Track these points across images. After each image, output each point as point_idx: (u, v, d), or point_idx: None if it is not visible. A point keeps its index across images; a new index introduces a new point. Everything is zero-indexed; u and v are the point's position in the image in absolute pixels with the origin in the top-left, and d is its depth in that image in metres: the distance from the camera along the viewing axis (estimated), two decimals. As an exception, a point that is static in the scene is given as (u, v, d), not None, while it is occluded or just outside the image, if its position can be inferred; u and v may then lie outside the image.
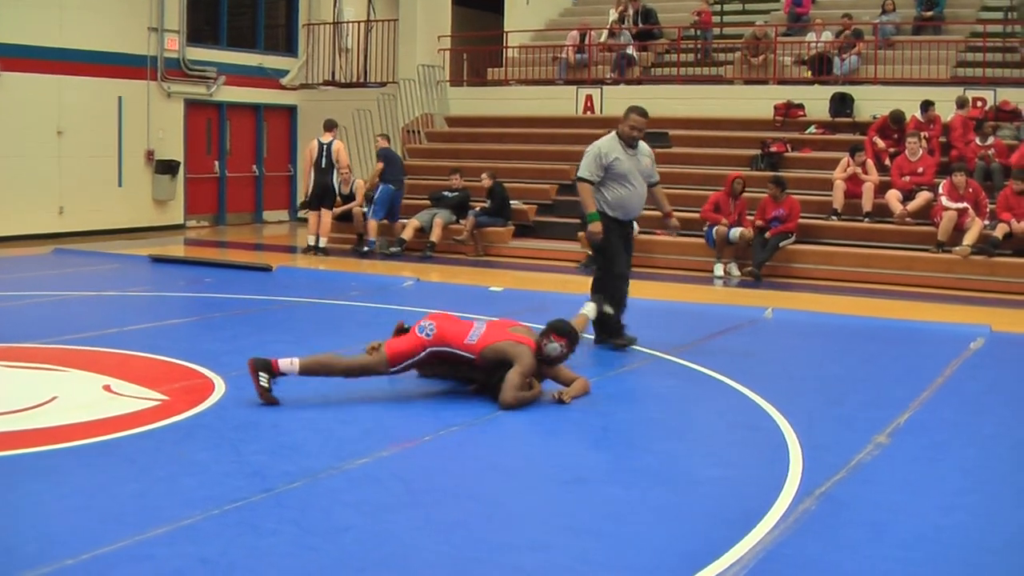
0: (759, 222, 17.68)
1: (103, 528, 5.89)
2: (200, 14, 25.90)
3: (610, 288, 11.46)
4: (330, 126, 20.53)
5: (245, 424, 8.10)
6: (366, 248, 20.22)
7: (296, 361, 8.82)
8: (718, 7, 27.38)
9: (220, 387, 9.20)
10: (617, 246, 11.62)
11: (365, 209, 20.57)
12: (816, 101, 21.55)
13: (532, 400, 8.91)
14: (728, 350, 11.43)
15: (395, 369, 8.99)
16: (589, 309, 10.71)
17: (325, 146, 20.20)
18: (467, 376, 9.33)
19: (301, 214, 23.48)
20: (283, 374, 8.78)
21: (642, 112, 11.63)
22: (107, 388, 9.08)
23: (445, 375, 9.53)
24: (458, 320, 9.23)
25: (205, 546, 5.67)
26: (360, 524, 6.07)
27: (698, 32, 25.11)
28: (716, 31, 25.64)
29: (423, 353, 8.94)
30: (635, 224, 12.45)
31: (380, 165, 20.59)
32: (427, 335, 8.94)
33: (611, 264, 11.62)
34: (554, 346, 9.04)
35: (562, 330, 9.11)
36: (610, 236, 11.53)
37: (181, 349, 10.73)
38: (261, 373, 8.68)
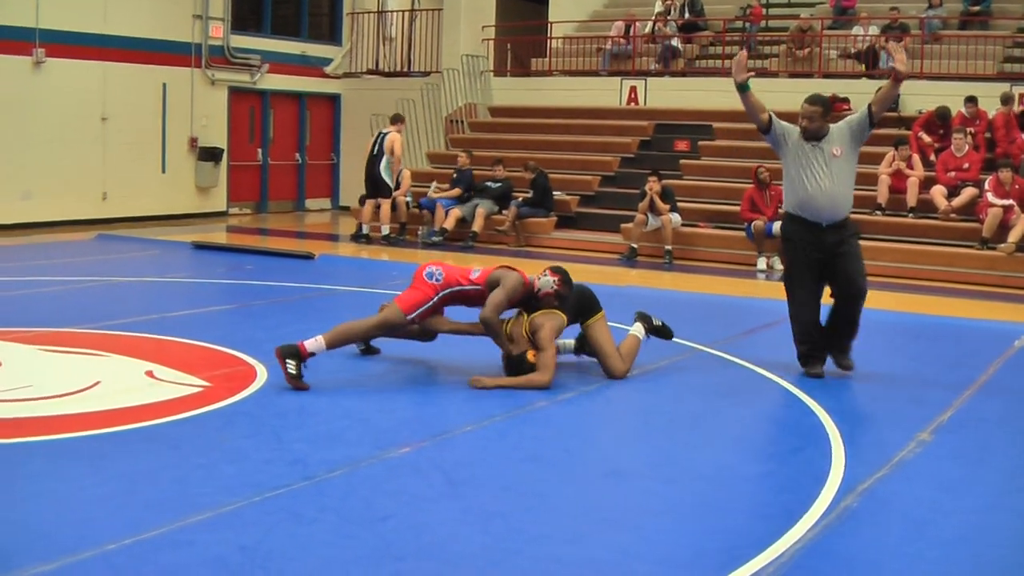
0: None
1: (145, 514, 5.91)
2: (244, 2, 25.97)
3: (792, 316, 10.13)
4: (395, 120, 20.79)
5: (286, 412, 8.13)
6: (424, 238, 20.31)
7: (320, 339, 9.00)
8: (765, 0, 27.29)
9: (262, 374, 9.24)
10: (800, 261, 9.96)
11: (408, 199, 20.61)
12: (861, 95, 21.37)
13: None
14: (771, 344, 11.38)
15: (412, 317, 9.25)
16: (637, 329, 10.11)
17: (381, 135, 20.37)
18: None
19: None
20: (312, 354, 8.90)
21: (811, 99, 9.85)
22: (149, 374, 9.13)
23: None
24: (455, 267, 9.64)
25: (245, 533, 5.69)
26: (400, 513, 6.08)
27: (746, 25, 25.00)
28: (762, 24, 25.53)
29: (436, 298, 9.30)
30: (843, 232, 9.83)
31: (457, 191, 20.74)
32: (437, 280, 9.31)
33: (791, 286, 10.15)
34: (547, 279, 9.36)
35: (557, 268, 9.53)
36: (790, 246, 10.08)
37: (223, 336, 10.78)
38: (288, 360, 8.77)
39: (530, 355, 9.12)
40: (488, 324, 9.15)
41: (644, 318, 10.22)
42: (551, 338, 9.23)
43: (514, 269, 9.42)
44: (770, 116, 9.82)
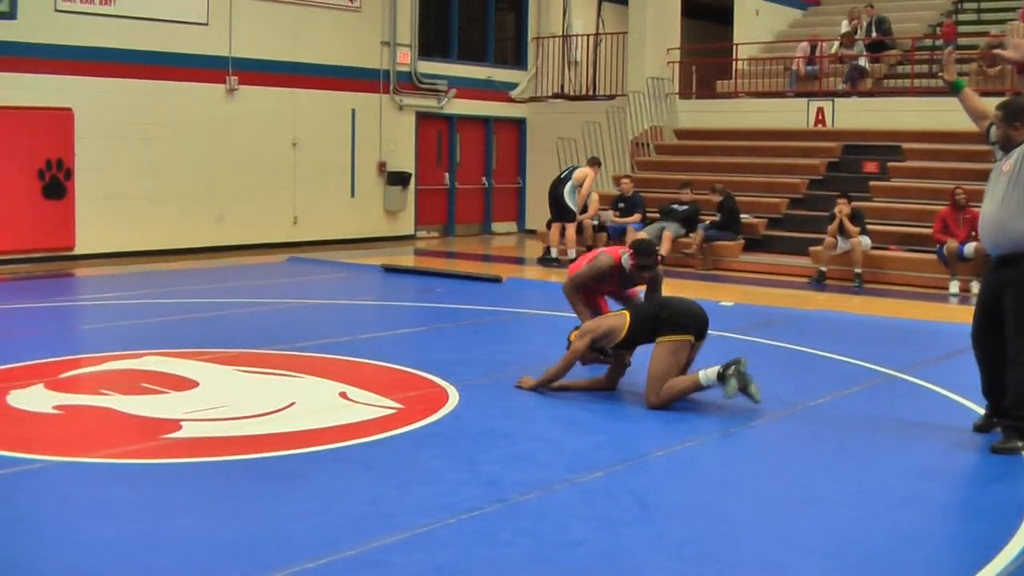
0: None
1: (340, 533, 6.00)
2: (431, 28, 26.28)
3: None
4: (592, 162, 20.99)
5: (478, 434, 8.18)
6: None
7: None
8: (952, 17, 26.76)
9: (454, 397, 9.31)
10: (978, 299, 8.64)
11: (595, 222, 20.66)
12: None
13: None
14: (966, 370, 11.10)
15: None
16: (707, 373, 9.08)
17: (573, 168, 20.70)
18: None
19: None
20: None
21: (999, 104, 8.42)
22: (343, 395, 9.27)
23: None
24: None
25: (440, 555, 5.73)
26: (593, 538, 6.06)
27: (935, 43, 24.55)
28: (959, 41, 25.08)
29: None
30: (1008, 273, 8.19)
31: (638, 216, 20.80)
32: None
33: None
34: (625, 256, 9.99)
35: (634, 242, 10.12)
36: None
37: (414, 358, 10.89)
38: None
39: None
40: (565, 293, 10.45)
41: (729, 368, 9.04)
42: (589, 328, 9.50)
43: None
44: (990, 124, 8.43)
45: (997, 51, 8.70)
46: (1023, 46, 7.90)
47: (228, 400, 9.04)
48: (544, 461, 7.54)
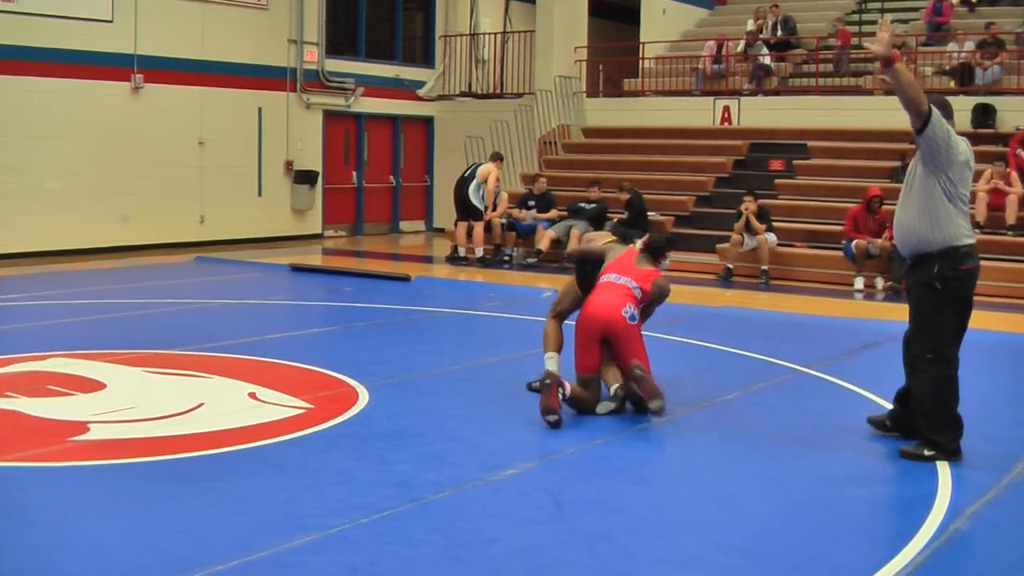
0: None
1: (253, 535, 5.96)
2: (339, 26, 26.19)
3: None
4: (494, 157, 20.99)
5: (390, 433, 8.15)
6: (519, 259, 20.35)
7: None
8: (856, 16, 27.09)
9: (364, 396, 9.27)
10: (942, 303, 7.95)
11: (503, 221, 20.67)
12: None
13: None
14: (872, 365, 11.27)
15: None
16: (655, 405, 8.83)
17: (476, 165, 20.68)
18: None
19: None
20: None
21: None
22: (253, 395, 9.20)
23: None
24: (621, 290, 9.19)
25: (354, 555, 5.71)
26: (507, 536, 6.07)
27: (836, 44, 24.83)
28: (855, 41, 25.35)
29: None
30: (913, 276, 8.06)
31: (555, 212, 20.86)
32: (634, 319, 8.97)
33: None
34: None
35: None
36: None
37: (323, 358, 10.84)
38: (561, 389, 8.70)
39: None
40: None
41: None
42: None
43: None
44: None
45: (866, 44, 8.45)
46: (886, 40, 7.71)
47: (136, 402, 8.93)
48: (457, 460, 7.53)
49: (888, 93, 22.33)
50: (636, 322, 8.96)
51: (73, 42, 20.28)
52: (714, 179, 21.90)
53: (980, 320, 13.52)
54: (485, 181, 20.20)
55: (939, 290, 7.80)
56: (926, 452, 7.83)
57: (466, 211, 20.29)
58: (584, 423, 8.69)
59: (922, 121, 7.61)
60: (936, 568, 5.75)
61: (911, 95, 7.53)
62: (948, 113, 7.93)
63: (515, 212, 21.05)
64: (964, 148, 7.93)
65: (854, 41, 25.04)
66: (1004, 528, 6.48)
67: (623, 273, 9.13)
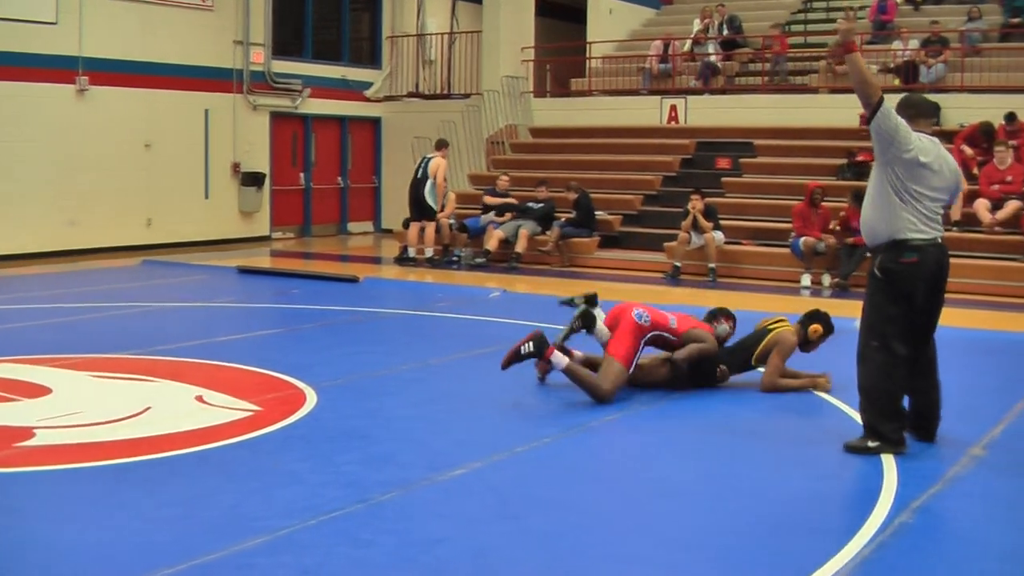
0: (837, 228, 17.52)
1: (202, 538, 5.94)
2: (285, 27, 26.09)
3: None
4: (440, 145, 20.89)
5: (338, 435, 8.14)
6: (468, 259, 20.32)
7: (568, 361, 9.24)
8: (802, 16, 27.23)
9: (312, 398, 9.24)
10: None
11: (451, 221, 20.66)
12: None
13: None
14: (818, 359, 11.29)
15: (631, 367, 9.47)
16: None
17: (426, 160, 20.47)
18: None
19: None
20: (549, 362, 9.17)
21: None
22: (199, 399, 9.16)
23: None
24: (655, 309, 9.89)
25: (304, 556, 5.70)
26: (455, 535, 6.07)
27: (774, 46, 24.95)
28: (800, 40, 25.49)
29: (645, 339, 9.56)
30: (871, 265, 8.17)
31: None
32: (645, 321, 9.54)
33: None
34: (723, 327, 10.28)
35: (728, 313, 10.53)
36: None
37: (271, 360, 10.80)
38: (530, 344, 9.06)
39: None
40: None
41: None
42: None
43: (703, 328, 10.08)
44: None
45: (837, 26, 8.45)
46: (846, 29, 7.88)
47: (82, 406, 8.87)
48: (405, 461, 7.52)
49: (834, 91, 22.55)
50: (643, 323, 9.52)
51: (17, 44, 20.08)
52: (661, 178, 21.97)
53: (953, 317, 13.65)
54: (436, 177, 20.16)
55: (881, 280, 7.91)
56: (870, 444, 7.88)
57: (420, 211, 20.24)
58: (533, 419, 8.72)
59: (871, 111, 7.86)
60: (882, 561, 5.80)
61: (863, 85, 7.91)
62: (922, 113, 8.29)
63: (488, 199, 21.15)
64: (923, 147, 7.98)
65: (799, 40, 25.19)
66: (949, 521, 6.53)
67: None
